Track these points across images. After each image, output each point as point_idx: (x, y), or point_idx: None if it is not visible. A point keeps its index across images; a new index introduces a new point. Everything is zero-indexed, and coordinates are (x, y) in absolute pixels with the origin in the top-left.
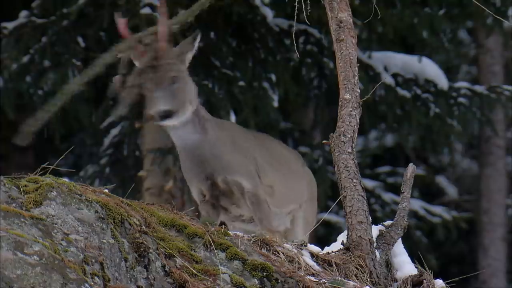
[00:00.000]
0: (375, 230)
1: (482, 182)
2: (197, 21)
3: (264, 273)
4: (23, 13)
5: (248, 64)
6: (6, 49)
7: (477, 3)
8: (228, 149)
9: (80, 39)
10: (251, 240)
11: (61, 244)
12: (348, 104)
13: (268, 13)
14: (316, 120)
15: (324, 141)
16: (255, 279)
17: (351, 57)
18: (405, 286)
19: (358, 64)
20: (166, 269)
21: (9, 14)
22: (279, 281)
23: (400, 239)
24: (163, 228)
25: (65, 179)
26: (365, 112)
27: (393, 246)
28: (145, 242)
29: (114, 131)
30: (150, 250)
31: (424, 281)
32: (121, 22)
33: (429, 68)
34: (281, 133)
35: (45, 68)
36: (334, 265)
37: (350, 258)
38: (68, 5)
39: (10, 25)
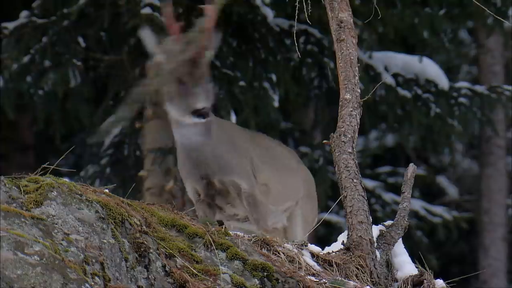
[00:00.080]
0: (376, 230)
1: (482, 182)
2: None
3: (265, 273)
4: (24, 13)
5: (248, 64)
6: (7, 49)
7: (478, 3)
8: (227, 150)
9: (80, 39)
10: (251, 240)
11: (61, 244)
12: (348, 104)
13: (269, 13)
14: (316, 120)
15: (324, 141)
16: (256, 279)
17: (352, 57)
18: (405, 286)
19: (359, 64)
20: (167, 269)
21: (9, 14)
22: (279, 281)
23: (401, 239)
24: (164, 228)
25: (66, 179)
26: (366, 112)
27: (393, 246)
28: (145, 242)
29: (115, 131)
30: (151, 250)
31: (425, 281)
32: (168, 11)
33: (429, 68)
34: (281, 133)
35: (45, 68)
36: (334, 265)
37: (351, 258)
38: (68, 5)
39: (10, 25)
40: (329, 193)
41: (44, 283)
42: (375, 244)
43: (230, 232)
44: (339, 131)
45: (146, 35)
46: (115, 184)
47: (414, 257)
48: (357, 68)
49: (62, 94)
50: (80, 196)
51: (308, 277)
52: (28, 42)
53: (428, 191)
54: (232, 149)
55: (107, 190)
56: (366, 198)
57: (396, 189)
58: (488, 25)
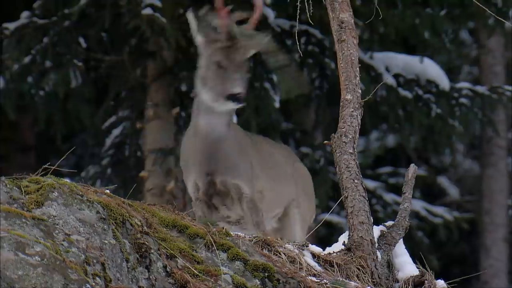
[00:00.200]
0: (377, 230)
1: (483, 182)
2: None
3: (266, 274)
4: (25, 14)
5: (249, 64)
6: (8, 50)
7: (479, 4)
8: (236, 151)
9: (81, 40)
10: (252, 240)
11: (62, 244)
12: (349, 105)
13: (270, 13)
14: (317, 120)
15: (325, 141)
16: (257, 280)
17: (353, 58)
18: (406, 286)
19: (360, 65)
20: (168, 269)
21: (10, 14)
22: (280, 281)
23: (402, 239)
24: (165, 229)
25: (67, 180)
26: (367, 113)
27: (394, 246)
28: (146, 242)
29: (116, 132)
30: (152, 251)
31: (426, 281)
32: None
33: (430, 69)
34: (282, 133)
35: (46, 69)
36: (335, 266)
37: (352, 258)
38: (69, 6)
39: (11, 25)
40: (330, 194)
41: (45, 283)
42: (376, 244)
43: (231, 233)
44: (340, 132)
45: (191, 18)
46: (116, 185)
47: (415, 257)
48: (358, 69)
49: (63, 95)
50: (81, 196)
51: (309, 277)
52: (29, 43)
53: (429, 191)
54: (240, 152)
55: (108, 191)
56: (367, 198)
57: (397, 189)
58: (489, 25)
